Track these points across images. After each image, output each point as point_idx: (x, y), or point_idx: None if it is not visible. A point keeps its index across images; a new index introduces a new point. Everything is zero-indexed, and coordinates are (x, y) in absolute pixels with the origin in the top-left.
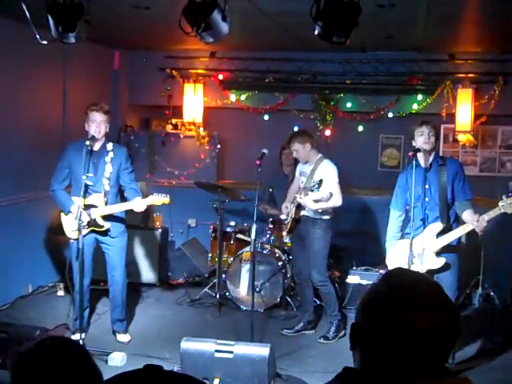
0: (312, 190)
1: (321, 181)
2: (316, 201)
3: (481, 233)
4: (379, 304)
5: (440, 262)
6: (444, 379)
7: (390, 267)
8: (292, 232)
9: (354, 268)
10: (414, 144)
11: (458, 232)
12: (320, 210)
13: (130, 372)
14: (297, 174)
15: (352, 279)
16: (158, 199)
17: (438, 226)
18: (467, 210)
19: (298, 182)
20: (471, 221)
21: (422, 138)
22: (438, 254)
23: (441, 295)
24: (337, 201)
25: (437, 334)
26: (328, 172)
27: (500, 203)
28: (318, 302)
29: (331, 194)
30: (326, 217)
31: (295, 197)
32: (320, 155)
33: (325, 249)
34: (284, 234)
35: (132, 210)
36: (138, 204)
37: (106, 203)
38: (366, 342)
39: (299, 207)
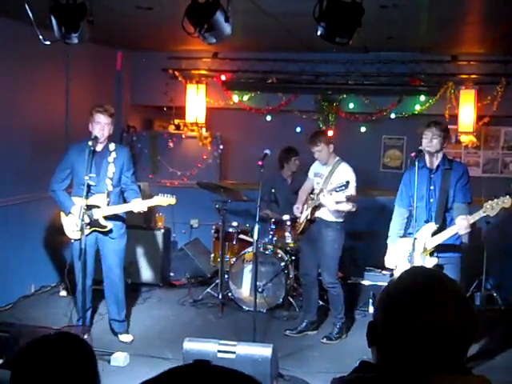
0: (338, 191)
1: (348, 182)
2: (337, 202)
3: (463, 233)
4: (397, 302)
5: (432, 261)
6: (458, 376)
7: (388, 264)
8: (304, 233)
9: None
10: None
11: (447, 233)
12: (340, 211)
13: (180, 367)
14: (310, 174)
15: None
16: (164, 200)
17: (432, 226)
18: (462, 214)
19: (311, 182)
20: (457, 222)
21: (425, 141)
22: (436, 253)
23: (458, 293)
24: (354, 206)
25: (454, 331)
26: (350, 176)
27: (484, 205)
28: (321, 302)
29: (353, 197)
30: (340, 219)
31: (310, 197)
32: (338, 158)
33: (338, 251)
34: (286, 234)
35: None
36: (137, 205)
37: (109, 203)
38: (383, 340)
39: (315, 208)
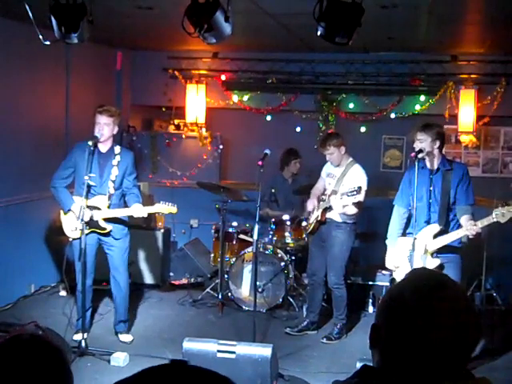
0: (349, 196)
1: (360, 188)
2: (344, 206)
3: (472, 236)
4: (400, 306)
5: (435, 262)
6: (463, 382)
7: (389, 265)
8: (314, 233)
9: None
10: None
11: (452, 236)
12: (350, 214)
13: (155, 367)
14: (323, 174)
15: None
16: (165, 208)
17: (435, 227)
18: (466, 215)
19: (323, 182)
20: (465, 226)
21: (415, 144)
22: (436, 254)
23: (461, 296)
24: (358, 210)
25: (458, 337)
26: (361, 179)
27: (494, 212)
28: (323, 303)
29: (360, 202)
30: (351, 221)
31: (322, 198)
32: (351, 159)
33: (346, 253)
34: (286, 234)
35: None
36: (137, 211)
37: (110, 206)
38: (385, 343)
39: (326, 210)
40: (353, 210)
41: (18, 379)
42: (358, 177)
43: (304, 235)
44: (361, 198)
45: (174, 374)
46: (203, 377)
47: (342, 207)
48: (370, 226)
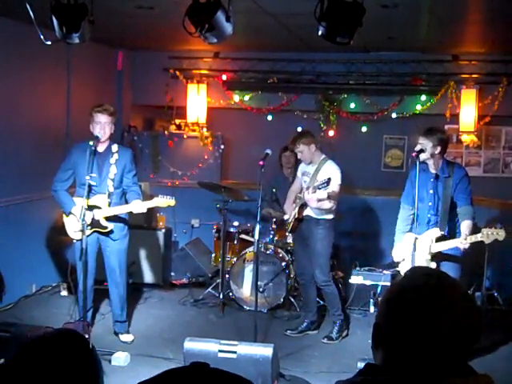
0: (320, 189)
1: (329, 179)
2: (319, 200)
3: (463, 249)
4: (401, 304)
5: (433, 265)
6: (465, 377)
7: (396, 258)
8: (294, 232)
9: (358, 268)
10: None
11: (450, 244)
12: (321, 209)
13: (176, 369)
14: (298, 173)
15: (355, 279)
16: (163, 201)
17: (436, 232)
18: (467, 220)
19: (299, 181)
20: (460, 238)
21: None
22: (433, 258)
23: (463, 295)
24: (334, 204)
25: (460, 334)
26: (333, 173)
27: (482, 230)
28: (321, 302)
29: (333, 194)
30: (329, 216)
31: (298, 196)
32: (324, 156)
33: (328, 249)
34: (286, 233)
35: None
36: (136, 207)
37: (110, 204)
38: (387, 342)
39: (302, 207)
40: (327, 205)
41: (56, 370)
42: (330, 171)
43: None
44: (331, 189)
45: (197, 375)
46: (224, 379)
47: (317, 202)
48: (371, 225)
